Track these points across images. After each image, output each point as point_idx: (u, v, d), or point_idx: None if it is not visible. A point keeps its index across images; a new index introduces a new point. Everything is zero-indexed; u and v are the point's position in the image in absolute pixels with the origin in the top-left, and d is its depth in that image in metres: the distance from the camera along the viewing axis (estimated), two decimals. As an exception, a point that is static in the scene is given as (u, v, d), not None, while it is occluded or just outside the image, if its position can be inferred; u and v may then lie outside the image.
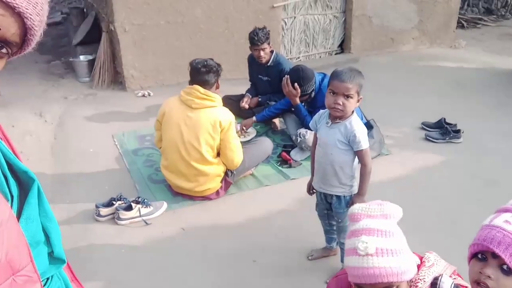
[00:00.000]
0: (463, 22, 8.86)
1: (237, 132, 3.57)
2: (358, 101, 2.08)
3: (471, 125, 4.14)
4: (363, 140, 2.08)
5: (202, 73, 2.91)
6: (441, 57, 6.51)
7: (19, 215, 0.87)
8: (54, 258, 0.97)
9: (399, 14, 6.53)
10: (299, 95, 3.47)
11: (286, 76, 3.50)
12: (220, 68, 3.00)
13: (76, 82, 5.48)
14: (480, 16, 9.45)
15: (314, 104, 3.57)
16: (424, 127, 4.15)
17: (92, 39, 5.88)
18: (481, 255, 1.16)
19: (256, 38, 3.93)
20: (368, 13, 6.29)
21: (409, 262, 1.14)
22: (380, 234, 1.12)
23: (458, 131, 3.93)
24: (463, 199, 3.08)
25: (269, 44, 4.02)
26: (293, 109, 3.67)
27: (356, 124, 2.08)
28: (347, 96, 2.02)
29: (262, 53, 4.01)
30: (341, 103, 2.02)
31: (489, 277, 1.13)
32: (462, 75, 5.72)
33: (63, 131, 4.18)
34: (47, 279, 0.97)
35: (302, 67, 3.50)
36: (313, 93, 3.53)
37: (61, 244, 0.96)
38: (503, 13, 9.88)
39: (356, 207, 1.21)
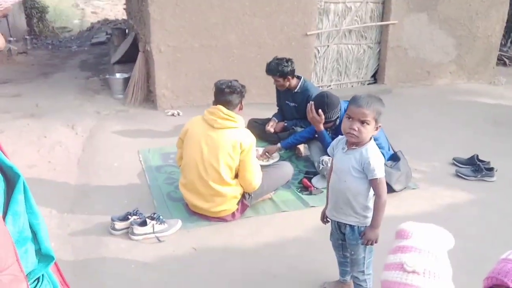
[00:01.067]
0: (505, 59, 8.60)
1: (258, 156, 3.55)
2: (376, 129, 2.01)
3: (506, 164, 3.93)
4: (378, 168, 1.99)
5: (226, 94, 2.92)
6: (478, 92, 6.31)
7: (5, 210, 0.86)
8: (42, 256, 0.96)
9: (436, 47, 6.41)
10: (323, 121, 3.41)
11: (310, 102, 3.47)
12: (244, 90, 3.01)
13: (110, 99, 5.66)
14: (523, 54, 9.15)
15: (338, 131, 3.48)
16: (456, 163, 3.98)
17: (130, 59, 6.10)
18: None
19: (268, 68, 4.00)
20: (403, 45, 6.22)
21: None
22: (430, 256, 1.10)
23: (491, 169, 3.73)
24: (492, 240, 2.88)
25: (284, 78, 3.99)
26: (316, 135, 3.61)
27: (372, 152, 2.01)
28: (363, 122, 1.96)
29: (276, 83, 4.06)
30: (356, 129, 1.96)
31: None
32: (499, 112, 5.49)
33: (91, 144, 4.29)
34: (37, 280, 0.96)
35: (327, 93, 3.46)
36: (337, 121, 3.47)
37: (48, 241, 0.95)
38: (548, 51, 9.53)
39: (407, 224, 1.20)
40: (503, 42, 8.14)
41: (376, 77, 6.45)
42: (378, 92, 5.89)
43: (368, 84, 6.42)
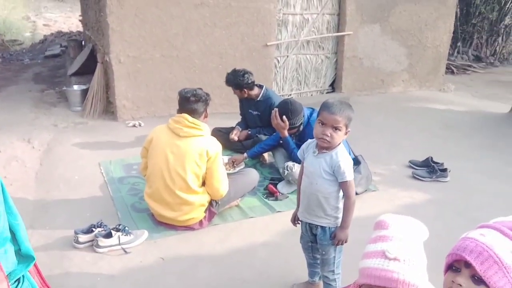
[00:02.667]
0: (453, 68, 9.14)
1: (224, 164, 3.57)
2: (346, 133, 2.08)
3: (458, 165, 4.16)
4: (347, 171, 2.07)
5: (191, 102, 2.93)
6: (430, 99, 6.65)
7: None
8: (22, 256, 0.94)
9: (389, 56, 6.72)
10: (287, 127, 3.49)
11: (275, 109, 3.54)
12: (208, 98, 3.03)
13: (68, 111, 5.50)
14: (469, 63, 9.76)
15: (302, 137, 3.58)
16: (412, 165, 4.17)
17: (87, 70, 5.98)
18: (455, 266, 1.18)
19: (226, 79, 4.10)
20: (359, 54, 6.47)
21: (425, 280, 1.17)
22: (409, 245, 1.16)
23: (445, 170, 3.94)
24: (448, 236, 3.01)
25: (240, 90, 4.07)
26: (281, 142, 3.68)
27: (341, 155, 2.08)
28: (335, 128, 2.02)
29: (234, 93, 4.16)
30: (329, 134, 2.02)
31: (460, 285, 1.14)
32: (450, 117, 5.81)
33: (49, 158, 4.15)
34: (17, 281, 0.94)
35: (290, 100, 3.55)
36: (301, 127, 3.56)
37: (28, 241, 0.94)
38: (492, 60, 10.22)
39: (386, 215, 1.26)
40: (450, 52, 8.64)
41: (334, 86, 6.65)
42: (337, 100, 6.07)
43: (326, 93, 6.61)
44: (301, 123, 3.53)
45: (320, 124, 2.05)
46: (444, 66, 7.38)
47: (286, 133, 3.52)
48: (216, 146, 2.96)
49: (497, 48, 10.45)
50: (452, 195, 3.67)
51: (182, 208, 2.95)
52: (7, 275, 0.86)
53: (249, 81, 4.05)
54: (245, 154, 3.90)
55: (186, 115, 2.91)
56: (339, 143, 2.10)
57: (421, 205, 3.51)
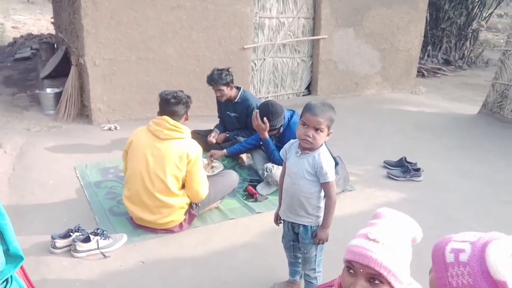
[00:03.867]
0: (423, 71, 9.41)
1: (204, 166, 3.57)
2: (328, 135, 2.10)
3: (430, 165, 4.29)
4: (329, 172, 2.10)
5: (171, 104, 2.92)
6: (402, 101, 6.83)
7: None
8: (10, 256, 0.93)
9: (363, 60, 6.86)
10: (267, 129, 3.51)
11: (256, 110, 3.56)
12: (189, 100, 3.03)
13: (41, 115, 5.38)
14: (439, 66, 10.07)
15: (282, 139, 3.58)
16: (386, 165, 4.27)
17: (60, 73, 5.85)
18: None
19: (210, 79, 4.06)
20: (334, 58, 6.58)
21: (403, 271, 1.22)
22: (392, 233, 1.23)
23: (418, 170, 4.06)
24: (424, 234, 3.13)
25: (227, 86, 4.08)
26: (261, 143, 3.71)
27: (324, 157, 2.11)
28: (318, 129, 2.05)
29: (218, 93, 4.12)
30: (311, 136, 2.05)
31: None
32: (422, 119, 5.98)
33: (23, 163, 4.05)
34: (6, 281, 0.93)
35: (272, 102, 3.57)
36: (281, 129, 3.58)
37: (16, 241, 0.93)
38: (460, 64, 10.57)
39: (383, 208, 1.35)
40: (421, 56, 8.89)
41: (310, 89, 6.74)
42: (313, 102, 6.16)
43: (302, 95, 6.70)
44: (282, 125, 3.56)
45: (303, 125, 2.08)
46: (416, 69, 7.60)
47: (266, 134, 3.54)
48: (196, 149, 2.96)
49: (465, 52, 10.82)
50: (426, 194, 3.78)
51: (161, 211, 2.93)
52: None
53: (232, 76, 4.09)
54: (225, 151, 3.91)
55: (167, 118, 2.90)
56: (321, 144, 2.13)
57: (397, 203, 3.59)
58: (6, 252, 0.91)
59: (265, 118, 3.47)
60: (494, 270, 1.00)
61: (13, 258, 0.93)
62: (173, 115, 2.91)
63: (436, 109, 6.51)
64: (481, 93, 7.64)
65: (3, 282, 0.90)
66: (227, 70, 4.08)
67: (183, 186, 3.00)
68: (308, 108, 2.08)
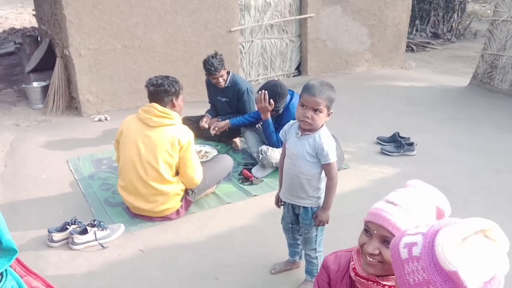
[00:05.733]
0: (412, 46, 9.37)
1: (197, 152, 3.54)
2: (328, 115, 2.05)
3: (423, 138, 4.31)
4: (331, 153, 2.06)
5: (159, 92, 2.88)
6: (393, 77, 6.81)
7: None
8: (3, 250, 0.92)
9: (351, 37, 6.81)
10: (271, 110, 3.44)
11: (263, 90, 3.40)
12: (177, 86, 2.97)
13: (29, 109, 5.30)
14: (428, 40, 10.04)
15: (280, 121, 3.50)
16: (379, 141, 4.28)
17: (46, 66, 5.75)
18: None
19: (213, 68, 3.92)
20: (322, 36, 6.52)
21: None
22: (412, 200, 1.24)
23: (411, 144, 4.07)
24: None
25: (224, 68, 4.02)
26: (261, 123, 3.65)
27: (325, 137, 2.07)
28: (316, 110, 2.00)
29: (220, 79, 4.03)
30: (309, 117, 2.00)
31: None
32: (413, 93, 5.98)
33: (14, 158, 4.00)
34: (1, 275, 0.92)
35: (280, 83, 3.45)
36: (281, 110, 3.53)
37: (9, 234, 0.91)
38: (449, 37, 10.54)
39: (413, 180, 1.34)
40: (409, 30, 8.85)
41: (300, 69, 6.70)
42: (303, 83, 6.11)
43: (293, 76, 6.65)
44: (283, 106, 3.50)
45: (302, 106, 2.04)
46: (405, 44, 7.56)
47: (268, 115, 3.46)
48: (187, 134, 2.93)
49: (453, 25, 10.78)
50: (420, 167, 3.80)
51: (157, 199, 2.92)
52: None
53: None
54: (228, 121, 3.90)
55: (155, 105, 2.87)
56: (322, 125, 2.08)
57: (392, 179, 3.62)
58: None
59: (271, 100, 3.37)
60: (443, 260, 0.93)
61: (6, 251, 0.91)
62: (162, 101, 2.87)
63: (427, 83, 6.51)
64: (470, 64, 7.64)
65: None
66: (218, 53, 4.00)
67: (177, 173, 2.98)
68: (306, 89, 2.03)
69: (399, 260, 1.04)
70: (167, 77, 2.98)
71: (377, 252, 1.23)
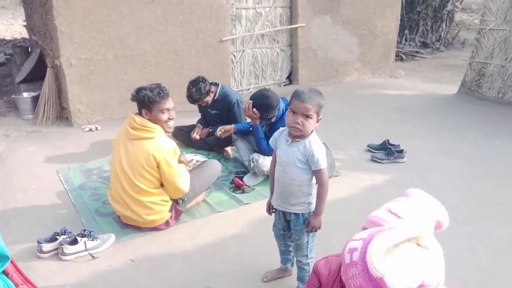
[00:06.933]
0: (402, 55, 9.48)
1: (185, 160, 3.49)
2: (317, 121, 2.08)
3: (413, 146, 4.35)
4: (321, 160, 2.08)
5: (135, 101, 2.84)
6: (382, 85, 6.88)
7: None
8: None
9: (342, 46, 6.88)
10: (258, 117, 3.47)
11: (249, 101, 3.47)
12: (152, 97, 2.76)
13: (19, 120, 5.27)
14: (417, 50, 10.16)
15: (272, 130, 3.47)
16: (370, 149, 4.31)
17: (37, 76, 5.72)
18: None
19: (192, 98, 3.95)
20: (313, 46, 6.59)
21: None
22: (414, 212, 1.26)
23: (401, 151, 4.11)
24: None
25: (209, 94, 3.99)
26: (251, 129, 3.67)
27: (315, 144, 2.08)
28: (306, 116, 2.02)
29: (203, 104, 4.08)
30: (300, 123, 2.02)
31: None
32: (402, 101, 6.05)
33: (4, 169, 3.97)
34: None
35: (268, 94, 3.45)
36: (273, 119, 3.54)
37: (2, 241, 0.90)
38: (437, 46, 10.69)
39: (414, 189, 1.37)
40: (398, 40, 8.96)
41: (291, 78, 6.75)
42: (294, 91, 6.16)
43: (284, 85, 6.69)
44: (274, 116, 3.50)
45: (291, 112, 2.05)
46: (394, 53, 7.65)
47: (257, 121, 3.50)
48: (164, 148, 2.79)
49: (442, 34, 10.93)
50: (410, 174, 3.83)
51: (142, 210, 2.88)
52: None
53: (207, 81, 3.99)
54: (233, 125, 3.93)
55: (134, 116, 2.83)
56: (312, 131, 2.10)
57: (382, 186, 3.64)
58: None
59: (255, 109, 3.41)
60: (371, 266, 0.94)
61: None
62: (140, 113, 2.84)
63: (416, 91, 6.58)
64: (459, 73, 7.74)
65: None
66: (202, 79, 3.95)
67: (162, 184, 2.92)
68: (296, 95, 2.05)
69: (344, 265, 1.05)
70: (158, 85, 2.89)
71: None
